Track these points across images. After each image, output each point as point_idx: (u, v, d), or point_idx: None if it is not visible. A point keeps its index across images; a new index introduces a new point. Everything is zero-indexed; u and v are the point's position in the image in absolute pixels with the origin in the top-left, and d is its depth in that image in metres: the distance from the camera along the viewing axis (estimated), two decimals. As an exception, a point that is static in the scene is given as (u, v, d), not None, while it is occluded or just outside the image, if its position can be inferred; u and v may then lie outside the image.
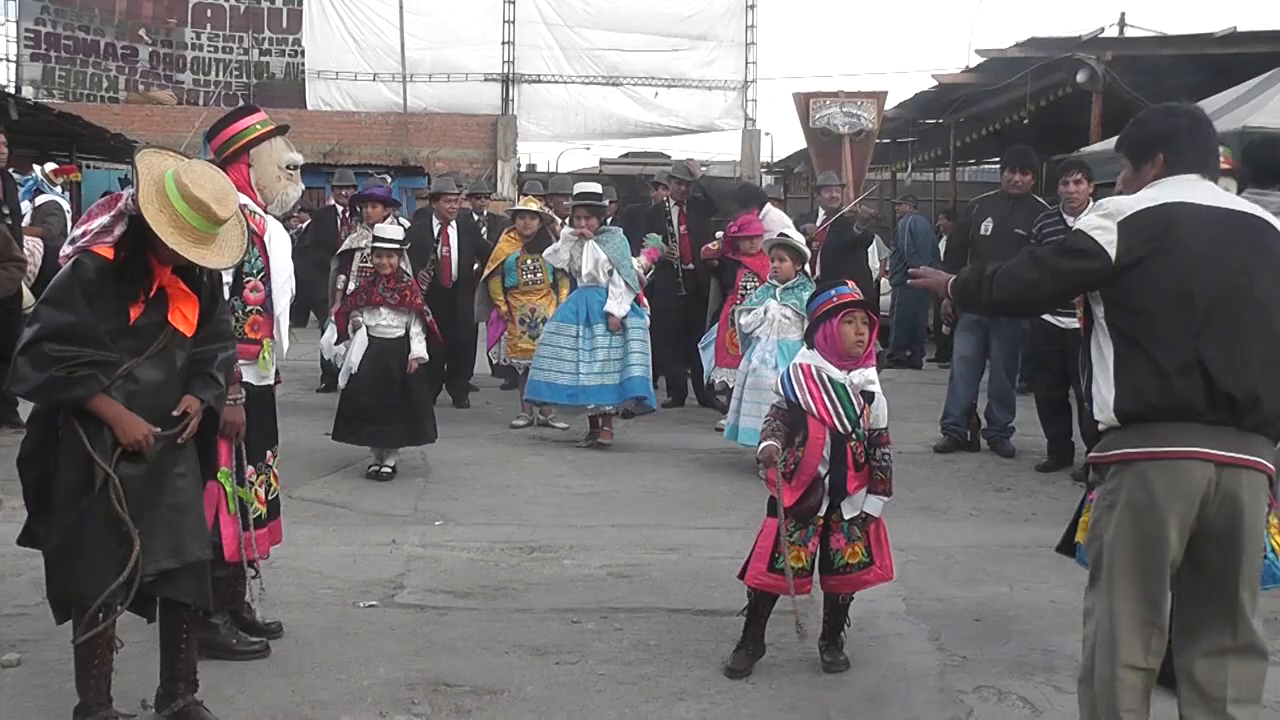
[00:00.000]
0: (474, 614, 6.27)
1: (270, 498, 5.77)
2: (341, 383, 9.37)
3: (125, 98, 28.93)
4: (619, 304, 10.35)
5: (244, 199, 5.45)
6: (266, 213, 5.58)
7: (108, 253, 4.46)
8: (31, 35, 28.86)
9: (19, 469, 4.60)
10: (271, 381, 5.70)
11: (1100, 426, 4.04)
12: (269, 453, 5.71)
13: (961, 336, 10.94)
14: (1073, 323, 9.25)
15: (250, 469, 5.45)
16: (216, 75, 30.04)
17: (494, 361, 12.72)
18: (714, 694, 5.31)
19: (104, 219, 4.52)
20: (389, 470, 9.30)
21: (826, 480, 5.44)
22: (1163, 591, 3.97)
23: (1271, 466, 3.96)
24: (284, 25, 30.07)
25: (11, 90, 22.37)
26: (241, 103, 27.78)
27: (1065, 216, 9.84)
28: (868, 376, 5.54)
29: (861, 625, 5.90)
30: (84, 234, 4.53)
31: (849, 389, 5.48)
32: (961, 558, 7.48)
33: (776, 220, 11.68)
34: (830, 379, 5.49)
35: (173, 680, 4.77)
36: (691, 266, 12.38)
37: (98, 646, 4.53)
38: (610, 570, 7.09)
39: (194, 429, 4.62)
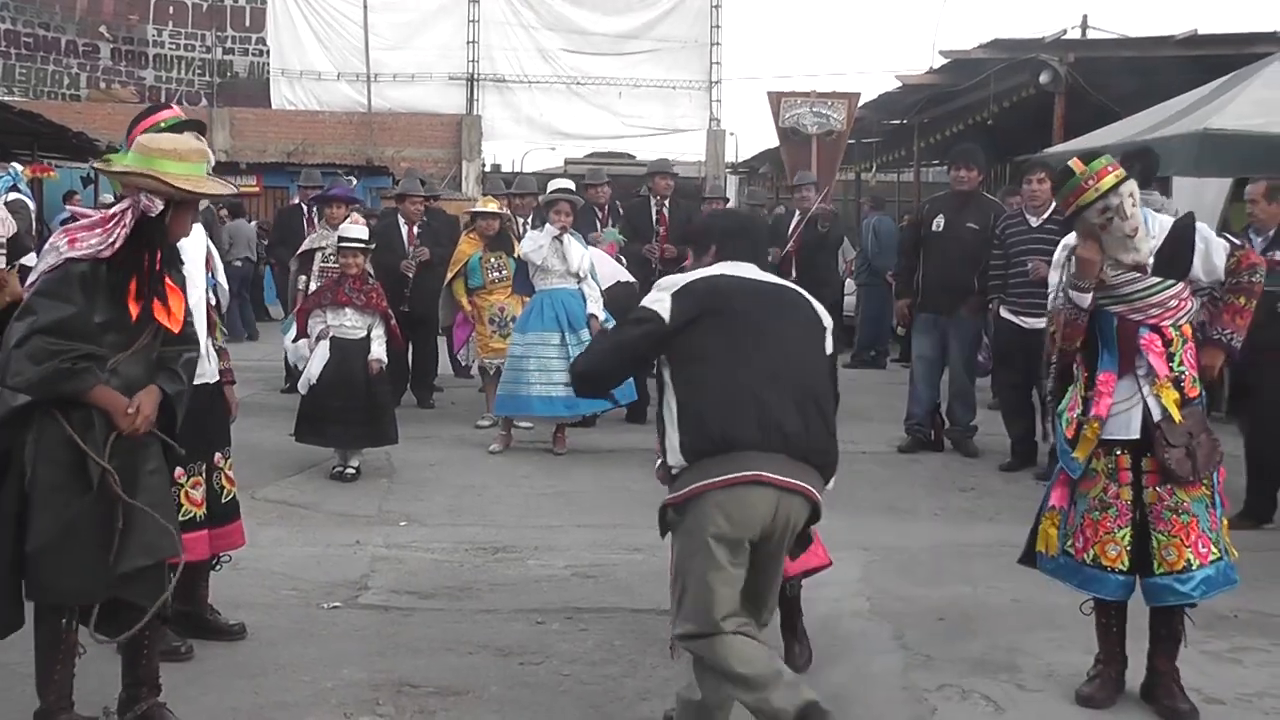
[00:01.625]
0: (438, 615, 6.26)
1: (225, 500, 5.72)
2: (302, 391, 9.30)
3: (87, 95, 28.69)
4: (600, 306, 10.31)
5: None
6: None
7: (105, 252, 4.44)
8: (-11, 32, 28.65)
9: None
10: (210, 380, 5.59)
11: (673, 472, 4.50)
12: (217, 454, 5.65)
13: (919, 338, 10.96)
14: (1036, 323, 9.36)
15: (180, 470, 5.32)
16: (179, 73, 29.80)
17: (462, 364, 12.66)
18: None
19: (96, 239, 4.46)
20: (353, 471, 9.26)
21: None
22: (736, 594, 4.41)
23: (817, 493, 4.48)
24: (247, 24, 29.89)
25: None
26: (204, 101, 27.75)
27: (1027, 216, 9.93)
28: None
29: (826, 625, 5.91)
30: (71, 244, 4.45)
31: None
32: (925, 557, 7.50)
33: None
34: None
35: (135, 685, 4.72)
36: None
37: (60, 650, 4.50)
38: (575, 570, 7.08)
39: (148, 419, 4.53)
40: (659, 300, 4.61)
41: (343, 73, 29.48)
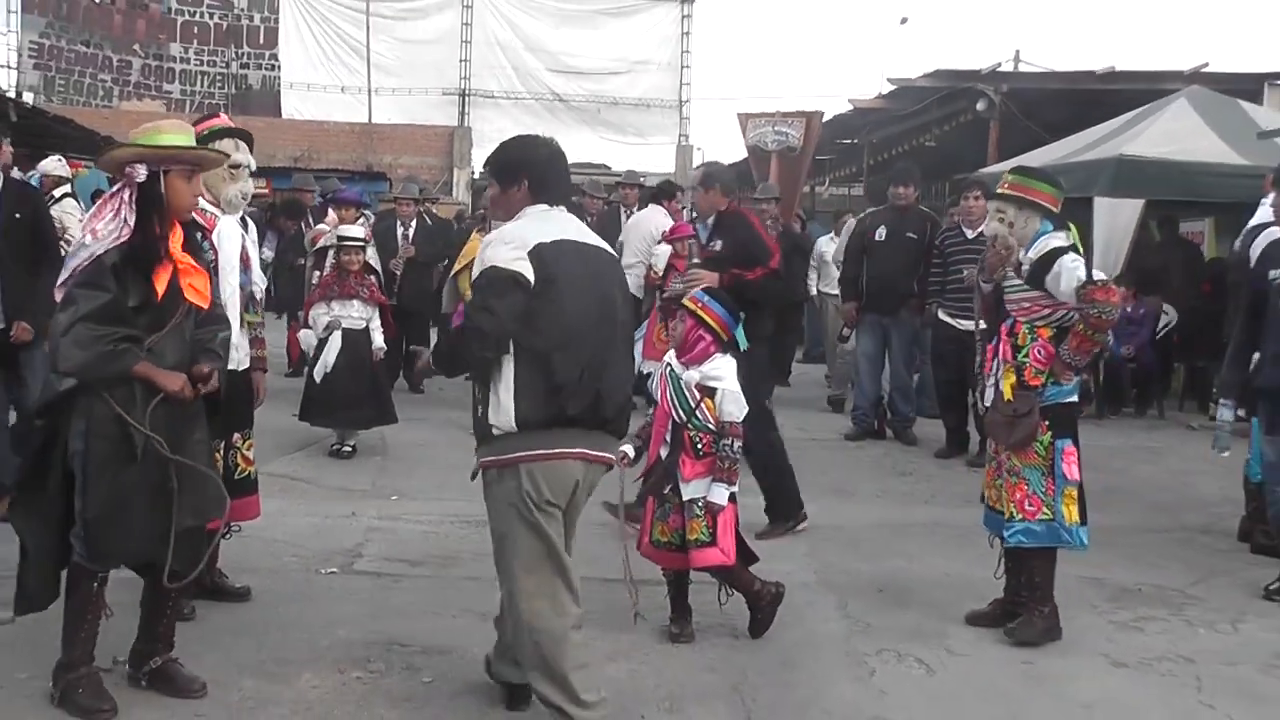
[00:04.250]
0: (426, 581, 6.23)
1: (238, 477, 5.64)
2: (318, 378, 9.20)
3: (118, 105, 28.58)
4: None
5: None
6: (222, 211, 5.57)
7: (126, 234, 4.44)
8: (36, 47, 28.74)
9: (27, 456, 4.54)
10: (238, 367, 5.56)
11: (496, 432, 4.23)
12: (236, 434, 5.60)
13: (863, 337, 10.96)
14: (970, 324, 9.37)
15: None
16: (200, 86, 29.81)
17: None
18: (643, 655, 5.31)
19: (111, 224, 4.43)
20: (350, 449, 9.22)
21: (667, 462, 5.50)
22: (568, 560, 4.41)
23: (612, 457, 4.48)
24: (261, 41, 29.98)
25: (12, 95, 22.03)
26: (222, 111, 27.63)
27: (964, 229, 9.95)
28: (708, 372, 5.52)
29: (777, 595, 5.90)
30: (94, 236, 4.44)
31: (682, 383, 5.50)
32: (867, 535, 7.51)
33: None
34: (672, 373, 5.56)
35: (152, 640, 4.71)
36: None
37: (89, 610, 4.50)
38: (551, 542, 7.04)
39: (216, 385, 4.60)
40: (521, 260, 4.14)
41: (346, 87, 29.38)
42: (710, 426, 5.47)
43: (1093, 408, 12.47)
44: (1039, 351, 5.58)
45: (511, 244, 4.19)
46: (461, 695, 4.83)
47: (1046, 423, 5.56)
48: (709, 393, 5.48)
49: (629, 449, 5.53)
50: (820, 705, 4.86)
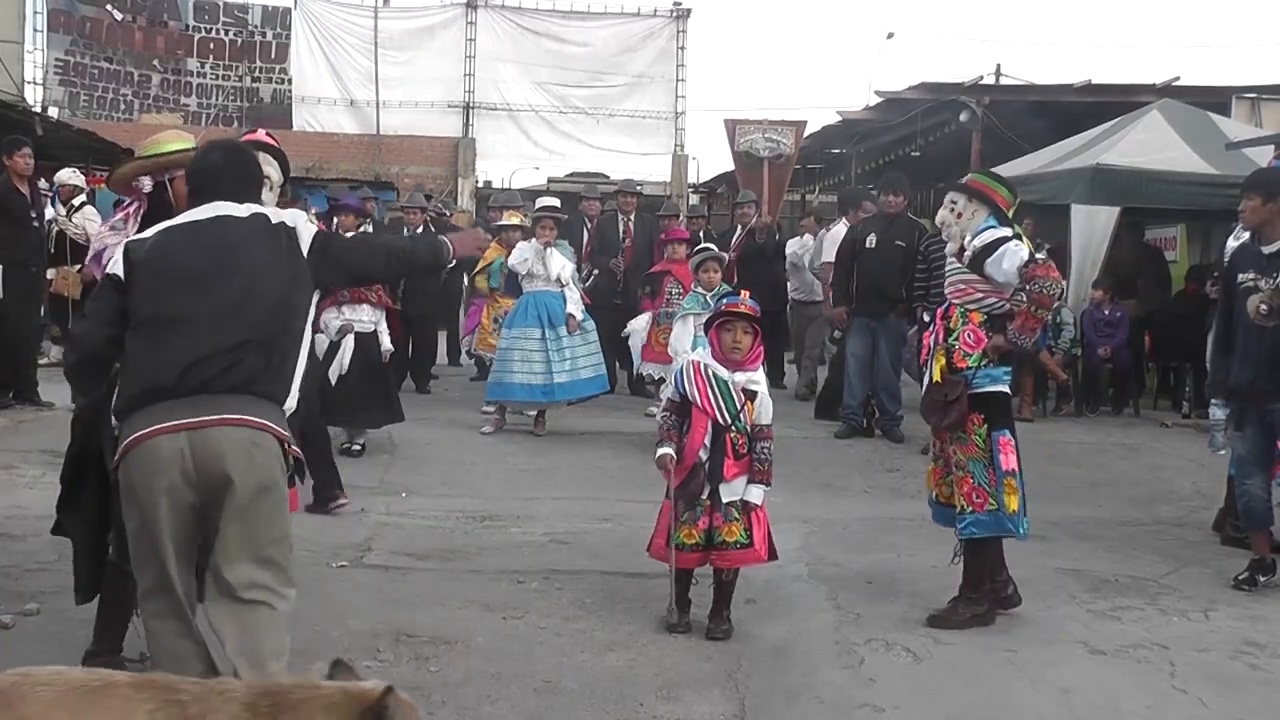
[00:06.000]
0: (433, 574, 6.23)
1: None
2: (333, 380, 9.15)
3: (138, 119, 28.65)
4: (579, 307, 10.26)
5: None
6: None
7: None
8: (61, 64, 28.85)
9: (65, 467, 4.57)
10: None
11: (115, 430, 3.87)
12: None
13: (853, 339, 10.95)
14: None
15: None
16: (216, 99, 29.89)
17: (467, 350, 12.54)
18: (640, 645, 5.30)
19: (112, 228, 4.49)
20: (359, 448, 9.21)
21: (707, 465, 5.43)
22: (172, 566, 3.78)
23: (254, 418, 3.75)
24: (273, 56, 30.02)
25: (38, 110, 22.07)
26: (236, 123, 27.70)
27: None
28: (751, 377, 5.51)
29: (769, 587, 5.91)
30: (105, 247, 4.49)
31: (731, 386, 5.45)
32: (857, 528, 7.51)
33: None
34: (715, 376, 5.48)
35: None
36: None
37: (121, 604, 4.50)
38: (552, 537, 7.06)
39: None
40: (114, 260, 4.04)
41: (354, 99, 29.39)
42: (747, 429, 5.46)
43: (1072, 406, 12.53)
44: (969, 335, 5.61)
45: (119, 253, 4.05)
46: (467, 683, 4.83)
47: (982, 415, 5.57)
48: (750, 396, 5.47)
49: (670, 451, 5.45)
50: (812, 692, 4.86)
